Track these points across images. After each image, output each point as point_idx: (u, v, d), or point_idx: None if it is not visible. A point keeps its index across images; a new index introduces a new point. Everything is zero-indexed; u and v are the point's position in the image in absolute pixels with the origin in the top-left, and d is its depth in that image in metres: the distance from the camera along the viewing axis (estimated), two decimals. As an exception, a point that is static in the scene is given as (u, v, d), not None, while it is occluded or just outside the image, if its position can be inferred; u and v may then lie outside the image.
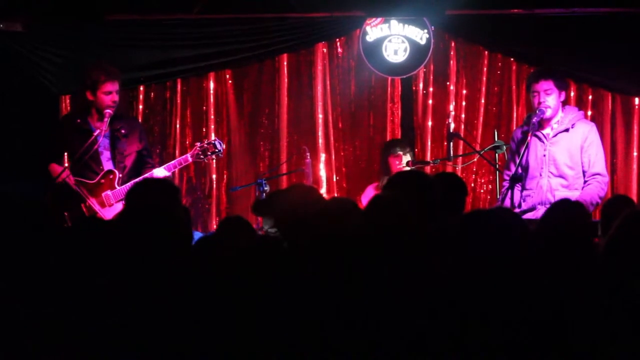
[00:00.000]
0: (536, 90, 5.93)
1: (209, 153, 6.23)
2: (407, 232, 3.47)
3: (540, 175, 5.97)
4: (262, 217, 4.76)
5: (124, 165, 6.17)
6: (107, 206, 6.05)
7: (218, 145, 6.21)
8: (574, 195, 5.88)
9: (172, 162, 6.27)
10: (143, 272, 3.08)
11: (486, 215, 3.28)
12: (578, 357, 2.94)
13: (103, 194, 6.06)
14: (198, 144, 6.25)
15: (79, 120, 6.17)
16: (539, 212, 5.81)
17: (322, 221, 3.30)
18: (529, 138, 5.85)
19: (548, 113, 5.93)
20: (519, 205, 5.95)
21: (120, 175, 6.11)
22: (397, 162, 6.86)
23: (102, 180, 6.09)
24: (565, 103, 6.13)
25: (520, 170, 5.89)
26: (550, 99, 5.92)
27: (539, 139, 5.99)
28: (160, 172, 6.12)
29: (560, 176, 5.96)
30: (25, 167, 6.79)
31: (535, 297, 2.96)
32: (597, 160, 5.98)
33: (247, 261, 2.98)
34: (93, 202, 6.03)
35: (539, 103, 5.90)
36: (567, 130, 5.98)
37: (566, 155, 5.97)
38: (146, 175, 6.09)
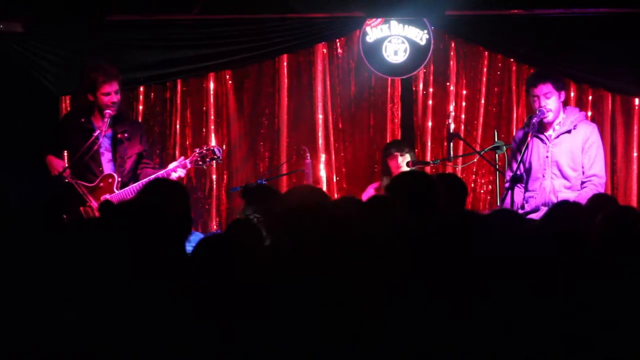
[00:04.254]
0: (536, 94, 5.88)
1: (208, 159, 6.17)
2: (400, 231, 3.48)
3: (543, 176, 5.95)
4: (247, 203, 4.70)
5: (124, 169, 6.14)
6: (105, 210, 6.02)
7: (217, 152, 6.17)
8: (573, 196, 5.87)
9: (173, 165, 6.22)
10: (141, 273, 3.08)
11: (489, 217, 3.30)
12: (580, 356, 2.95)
13: (101, 198, 6.04)
14: (197, 150, 6.18)
15: (82, 120, 6.14)
16: (543, 213, 5.80)
17: (326, 220, 3.30)
18: (529, 139, 5.83)
19: (550, 117, 5.88)
20: (522, 207, 5.94)
21: (120, 179, 6.07)
22: (394, 163, 6.83)
23: (101, 184, 6.05)
24: (565, 103, 6.10)
25: (520, 171, 5.87)
26: (550, 101, 5.87)
27: (542, 140, 5.96)
28: (180, 172, 6.06)
29: (563, 177, 5.92)
30: (25, 168, 6.79)
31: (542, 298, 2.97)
32: (595, 161, 5.94)
33: (254, 263, 2.98)
34: (92, 205, 6.01)
35: (540, 107, 5.86)
36: (569, 131, 5.93)
37: (568, 156, 5.92)
38: (148, 178, 6.02)
